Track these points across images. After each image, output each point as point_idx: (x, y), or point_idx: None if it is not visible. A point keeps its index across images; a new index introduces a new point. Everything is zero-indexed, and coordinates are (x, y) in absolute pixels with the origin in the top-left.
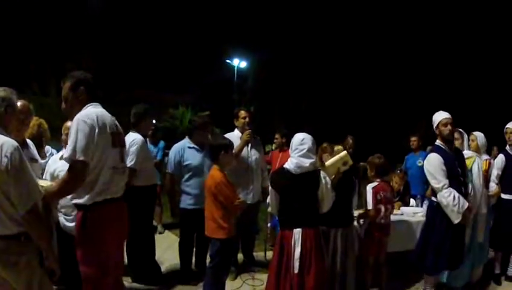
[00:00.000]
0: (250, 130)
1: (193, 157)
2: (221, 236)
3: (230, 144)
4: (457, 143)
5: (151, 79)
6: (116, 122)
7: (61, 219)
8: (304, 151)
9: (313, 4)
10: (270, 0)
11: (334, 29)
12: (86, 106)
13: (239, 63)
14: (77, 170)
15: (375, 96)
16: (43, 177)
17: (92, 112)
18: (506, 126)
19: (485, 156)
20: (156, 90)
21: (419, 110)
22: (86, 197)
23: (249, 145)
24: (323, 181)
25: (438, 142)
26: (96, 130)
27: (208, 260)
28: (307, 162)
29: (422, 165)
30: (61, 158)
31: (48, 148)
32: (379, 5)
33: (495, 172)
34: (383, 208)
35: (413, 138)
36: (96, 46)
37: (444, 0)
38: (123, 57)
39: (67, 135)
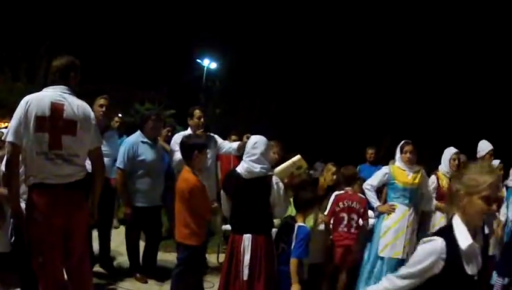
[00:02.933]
0: (202, 130)
1: (147, 152)
2: (194, 243)
3: (204, 144)
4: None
5: (120, 73)
6: (64, 108)
7: (23, 205)
8: (256, 156)
9: (283, 5)
10: (244, 2)
11: (303, 31)
12: (45, 88)
13: (209, 63)
14: (7, 151)
15: (346, 101)
16: None
17: (33, 95)
18: None
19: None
20: (124, 84)
21: (385, 123)
22: (26, 180)
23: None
24: (276, 187)
25: None
26: (23, 115)
27: (174, 264)
28: (257, 167)
29: None
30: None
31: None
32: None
33: None
34: (345, 217)
35: (370, 150)
36: (68, 35)
37: (419, 20)
38: (94, 48)
39: None
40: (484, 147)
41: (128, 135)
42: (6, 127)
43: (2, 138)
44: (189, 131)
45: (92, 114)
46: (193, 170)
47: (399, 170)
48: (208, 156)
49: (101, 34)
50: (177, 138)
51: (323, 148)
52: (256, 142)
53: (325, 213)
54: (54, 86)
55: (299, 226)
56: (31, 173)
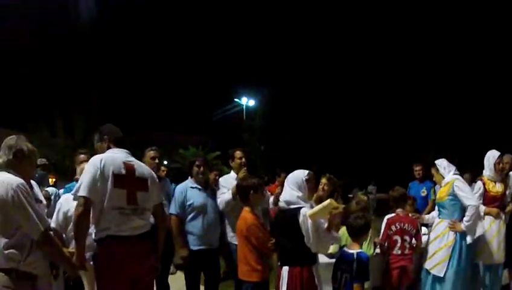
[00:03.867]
0: (245, 169)
1: (196, 196)
2: (255, 279)
3: (259, 183)
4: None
5: (160, 120)
6: (136, 167)
7: None
8: (285, 189)
9: (317, 42)
10: (277, 39)
11: (339, 65)
12: (107, 151)
13: (247, 101)
14: (78, 204)
15: (380, 128)
16: (55, 216)
17: (102, 156)
18: None
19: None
20: (165, 131)
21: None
22: (94, 233)
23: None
24: (302, 222)
25: None
26: (99, 172)
27: None
28: (282, 201)
29: (426, 195)
30: (75, 198)
31: (52, 190)
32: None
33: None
34: (399, 239)
35: (417, 167)
36: (103, 87)
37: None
38: (131, 98)
39: None
40: None
41: (176, 181)
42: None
43: (72, 193)
44: (232, 173)
45: (155, 175)
46: (251, 209)
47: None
48: None
49: (133, 84)
50: (222, 180)
51: (366, 170)
52: (288, 177)
53: (379, 237)
54: (119, 149)
55: (358, 253)
56: (105, 226)
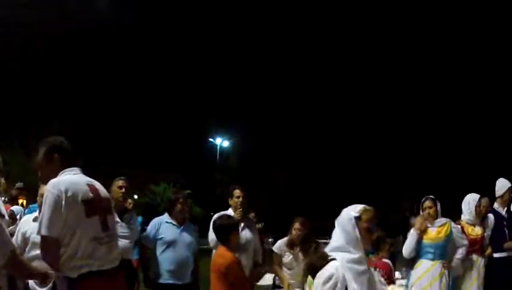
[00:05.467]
0: (241, 210)
1: (169, 231)
2: None
3: (235, 223)
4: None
5: (131, 155)
6: (97, 187)
7: (31, 281)
8: None
9: (290, 82)
10: (253, 81)
11: (314, 105)
12: (61, 172)
13: (221, 142)
14: (44, 245)
15: (364, 167)
16: (15, 237)
17: (63, 180)
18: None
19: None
20: (136, 166)
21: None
22: (69, 270)
23: (241, 225)
24: None
25: None
26: (63, 202)
27: None
28: None
29: None
30: (34, 220)
31: (18, 209)
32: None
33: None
34: None
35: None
36: (79, 115)
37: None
38: (105, 129)
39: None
40: (501, 185)
41: (145, 216)
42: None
43: (36, 232)
44: (230, 211)
45: None
46: (229, 248)
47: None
48: (243, 238)
49: (111, 116)
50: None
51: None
52: None
53: None
54: (72, 168)
55: None
56: (84, 261)
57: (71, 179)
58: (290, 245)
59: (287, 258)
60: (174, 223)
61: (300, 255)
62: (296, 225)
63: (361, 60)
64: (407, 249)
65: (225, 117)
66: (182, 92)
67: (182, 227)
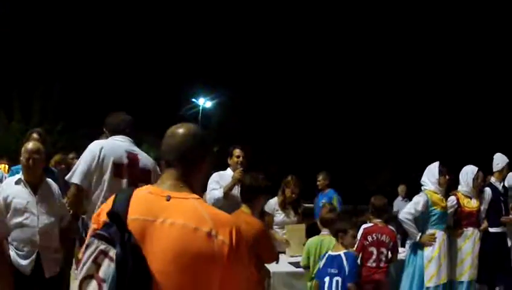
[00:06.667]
0: (242, 169)
1: None
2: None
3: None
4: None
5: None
6: (139, 157)
7: (13, 253)
8: None
9: (280, 47)
10: (239, 42)
11: (294, 70)
12: (109, 137)
13: (204, 102)
14: (71, 191)
15: (342, 135)
16: None
17: (104, 142)
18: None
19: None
20: None
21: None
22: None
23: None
24: None
25: None
26: (96, 160)
27: None
28: None
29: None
30: (17, 183)
31: None
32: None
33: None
34: (375, 251)
35: (320, 177)
36: (63, 76)
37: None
38: (91, 92)
39: (26, 158)
40: (500, 159)
41: None
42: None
43: (66, 178)
44: (229, 171)
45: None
46: (253, 212)
47: (436, 195)
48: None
49: (96, 78)
50: (216, 176)
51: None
52: None
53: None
54: (122, 137)
55: (345, 253)
56: None
57: (111, 143)
58: (283, 204)
59: (279, 217)
60: None
61: (292, 214)
62: (289, 184)
63: (349, 45)
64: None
65: (210, 78)
66: (166, 54)
67: None
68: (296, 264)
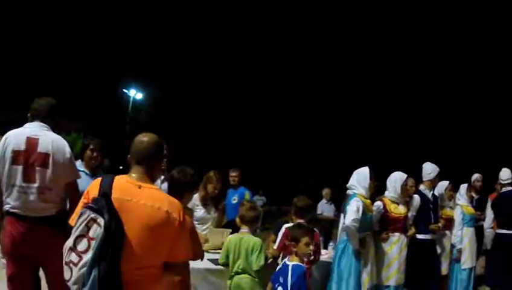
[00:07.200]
0: (166, 160)
1: (81, 181)
2: None
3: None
4: None
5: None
6: (39, 142)
7: None
8: None
9: (212, 45)
10: (175, 37)
11: (227, 73)
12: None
13: (135, 94)
14: None
15: (269, 136)
16: None
17: (9, 133)
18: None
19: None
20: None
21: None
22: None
23: (161, 177)
24: None
25: None
26: (1, 150)
27: None
28: None
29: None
30: None
31: None
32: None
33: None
34: None
35: (233, 173)
36: None
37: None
38: (19, 76)
39: None
40: (432, 168)
41: None
42: None
43: None
44: None
45: (68, 148)
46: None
47: (367, 200)
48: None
49: (27, 62)
50: None
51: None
52: None
53: (275, 247)
54: (33, 123)
55: (293, 265)
56: (6, 201)
57: (16, 131)
58: (204, 200)
59: (199, 212)
60: (87, 171)
61: (213, 210)
62: (212, 180)
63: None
64: None
65: (142, 71)
66: (99, 43)
67: (94, 177)
68: (215, 262)
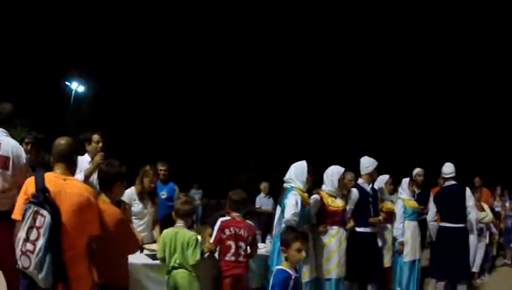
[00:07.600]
0: (103, 153)
1: None
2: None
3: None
4: None
5: None
6: (1, 142)
7: None
8: None
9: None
10: (116, 29)
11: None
12: None
13: (77, 86)
14: None
15: (208, 131)
16: None
17: None
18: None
19: None
20: None
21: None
22: None
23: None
24: None
25: None
26: None
27: None
28: None
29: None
30: None
31: None
32: None
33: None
34: (233, 245)
35: (162, 167)
36: None
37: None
38: None
39: None
40: (370, 162)
41: None
42: None
43: None
44: (87, 156)
45: (24, 153)
46: (111, 201)
47: (304, 193)
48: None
49: None
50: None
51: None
52: None
53: (211, 241)
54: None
55: (278, 270)
56: None
57: None
58: (141, 194)
59: (136, 207)
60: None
61: (150, 205)
62: (148, 174)
63: None
64: None
65: (85, 64)
66: (42, 32)
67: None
68: (152, 257)
